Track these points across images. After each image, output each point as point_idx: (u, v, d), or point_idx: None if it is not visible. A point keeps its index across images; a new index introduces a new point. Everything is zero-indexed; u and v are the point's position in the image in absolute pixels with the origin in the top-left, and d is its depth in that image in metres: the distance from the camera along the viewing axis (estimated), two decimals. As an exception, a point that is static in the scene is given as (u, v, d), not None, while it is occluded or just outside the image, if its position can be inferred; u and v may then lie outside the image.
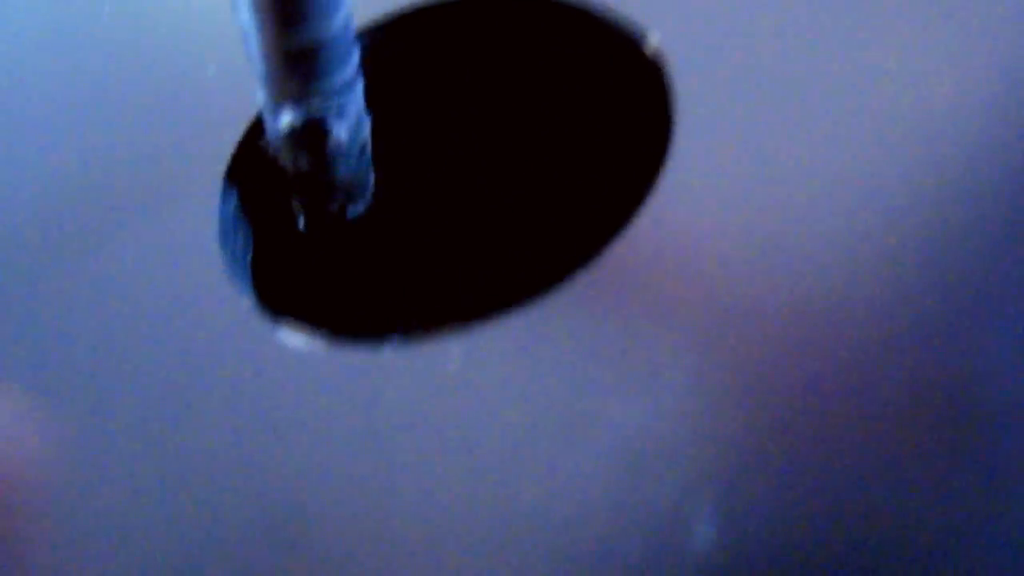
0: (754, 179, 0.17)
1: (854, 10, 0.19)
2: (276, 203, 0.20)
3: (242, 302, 0.18)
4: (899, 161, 0.17)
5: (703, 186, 0.17)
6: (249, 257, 0.20)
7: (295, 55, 0.17)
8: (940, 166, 0.17)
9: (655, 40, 0.19)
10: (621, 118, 0.20)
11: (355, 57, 0.18)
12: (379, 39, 0.21)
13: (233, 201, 0.20)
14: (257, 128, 0.20)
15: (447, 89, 0.21)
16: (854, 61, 0.18)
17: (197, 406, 0.17)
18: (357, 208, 0.19)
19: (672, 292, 0.16)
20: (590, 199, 0.21)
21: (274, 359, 0.17)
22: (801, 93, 0.18)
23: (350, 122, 0.18)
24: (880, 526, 0.14)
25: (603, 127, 0.21)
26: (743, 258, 0.16)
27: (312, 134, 0.18)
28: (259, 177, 0.20)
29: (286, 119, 0.18)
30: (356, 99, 0.18)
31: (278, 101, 0.18)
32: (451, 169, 0.22)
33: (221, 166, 0.20)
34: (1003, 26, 0.18)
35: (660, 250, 0.17)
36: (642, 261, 0.17)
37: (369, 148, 0.19)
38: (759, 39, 0.18)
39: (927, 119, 0.17)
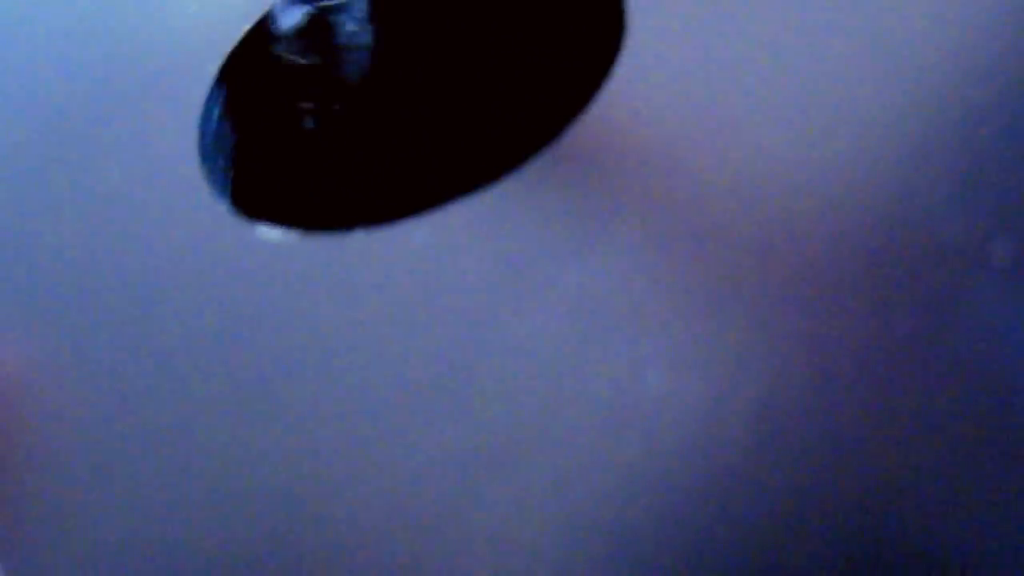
0: (707, 63, 0.18)
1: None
2: (254, 110, 0.21)
3: (217, 200, 0.19)
4: (852, 50, 0.17)
5: (657, 71, 0.18)
6: (225, 160, 0.20)
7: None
8: (895, 52, 0.17)
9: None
10: (578, 10, 0.21)
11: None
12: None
13: (214, 107, 0.20)
14: (243, 45, 0.20)
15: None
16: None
17: (178, 298, 0.18)
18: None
19: (627, 169, 0.17)
20: (549, 87, 0.22)
21: (250, 250, 0.18)
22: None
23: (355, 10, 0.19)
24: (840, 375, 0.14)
25: (561, 19, 0.21)
26: (694, 136, 0.17)
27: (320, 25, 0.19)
28: (242, 85, 0.21)
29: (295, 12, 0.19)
30: None
31: None
32: (417, 63, 0.22)
33: (210, 71, 0.21)
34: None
35: (615, 132, 0.17)
36: (598, 143, 0.17)
37: None
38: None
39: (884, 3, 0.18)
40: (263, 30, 0.20)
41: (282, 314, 0.17)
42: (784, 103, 0.17)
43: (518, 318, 0.16)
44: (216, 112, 0.20)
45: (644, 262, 0.16)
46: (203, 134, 0.20)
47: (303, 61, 0.20)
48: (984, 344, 0.14)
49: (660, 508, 0.14)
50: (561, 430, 0.15)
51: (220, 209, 0.19)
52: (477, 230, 0.17)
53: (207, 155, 0.20)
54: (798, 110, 0.17)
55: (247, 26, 0.21)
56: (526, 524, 0.14)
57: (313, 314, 0.17)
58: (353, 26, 0.19)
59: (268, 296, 0.18)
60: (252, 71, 0.21)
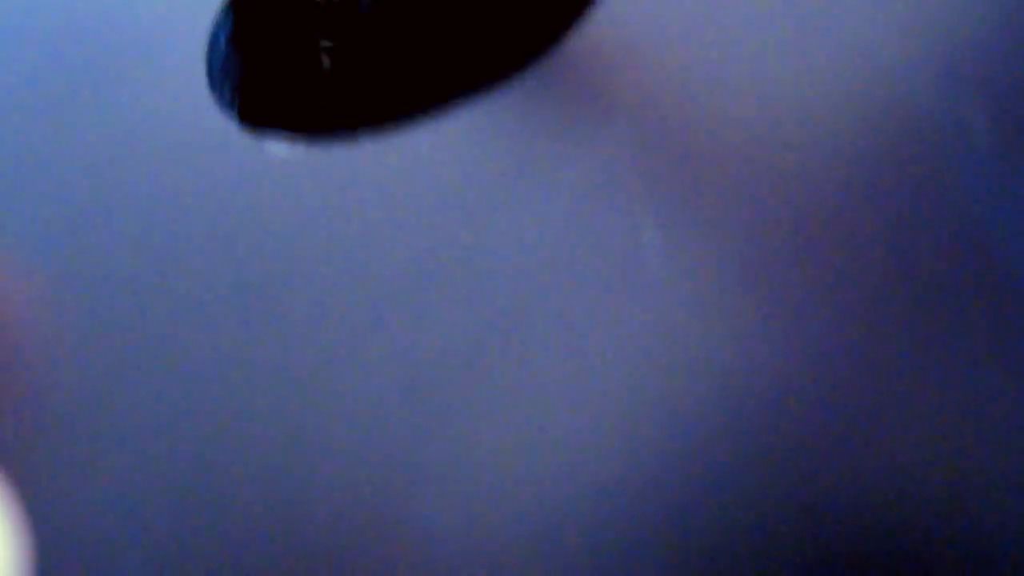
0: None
1: None
2: (259, 31, 0.21)
3: (226, 118, 0.19)
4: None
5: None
6: (232, 82, 0.21)
7: None
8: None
9: None
10: None
11: None
12: None
13: (221, 34, 0.21)
14: None
15: None
16: None
17: (190, 208, 0.19)
18: None
19: (621, 75, 0.18)
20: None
21: (260, 161, 0.19)
22: None
23: None
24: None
25: None
26: (685, 42, 0.18)
27: None
28: (247, 10, 0.21)
29: None
30: None
31: None
32: None
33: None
34: None
35: (612, 43, 0.18)
36: (595, 54, 0.18)
37: None
38: None
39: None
40: None
41: (294, 219, 0.18)
42: (781, 18, 0.18)
43: (520, 211, 0.17)
44: (223, 38, 0.21)
45: (638, 156, 0.17)
46: (211, 59, 0.21)
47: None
48: (969, 218, 0.15)
49: (657, 386, 0.15)
50: (561, 311, 0.16)
51: (229, 126, 0.20)
52: (480, 134, 0.18)
53: (215, 79, 0.21)
54: (785, 4, 0.18)
55: None
56: (526, 396, 0.15)
57: (323, 218, 0.18)
58: None
59: (280, 203, 0.18)
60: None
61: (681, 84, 0.17)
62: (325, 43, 0.21)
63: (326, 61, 0.21)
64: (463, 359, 0.16)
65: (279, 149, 0.19)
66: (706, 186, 0.16)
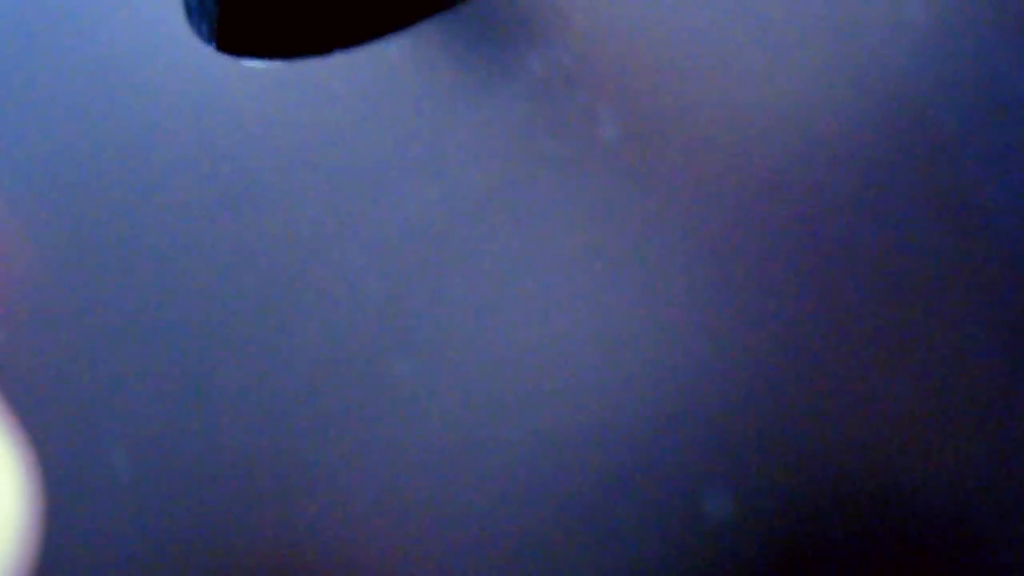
0: None
1: None
2: None
3: (204, 45, 0.20)
4: None
5: None
6: (209, 19, 0.21)
7: None
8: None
9: None
10: None
11: None
12: None
13: None
14: None
15: None
16: None
17: (174, 132, 0.19)
18: None
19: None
20: None
21: (239, 82, 0.19)
22: None
23: None
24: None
25: None
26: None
27: None
28: None
29: None
30: None
31: None
32: None
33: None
34: None
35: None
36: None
37: None
38: None
39: None
40: None
41: (273, 129, 0.18)
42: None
43: (486, 107, 0.17)
44: None
45: (599, 57, 0.17)
46: None
47: None
48: (908, 88, 0.15)
49: (624, 267, 0.15)
50: (530, 185, 0.16)
51: (208, 52, 0.20)
52: (445, 45, 0.18)
53: (192, 13, 0.21)
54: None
55: None
56: (501, 262, 0.16)
57: (300, 126, 0.18)
58: None
59: (260, 120, 0.19)
60: None
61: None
62: None
63: None
64: (433, 242, 0.16)
65: (257, 67, 0.19)
66: (663, 68, 0.17)
